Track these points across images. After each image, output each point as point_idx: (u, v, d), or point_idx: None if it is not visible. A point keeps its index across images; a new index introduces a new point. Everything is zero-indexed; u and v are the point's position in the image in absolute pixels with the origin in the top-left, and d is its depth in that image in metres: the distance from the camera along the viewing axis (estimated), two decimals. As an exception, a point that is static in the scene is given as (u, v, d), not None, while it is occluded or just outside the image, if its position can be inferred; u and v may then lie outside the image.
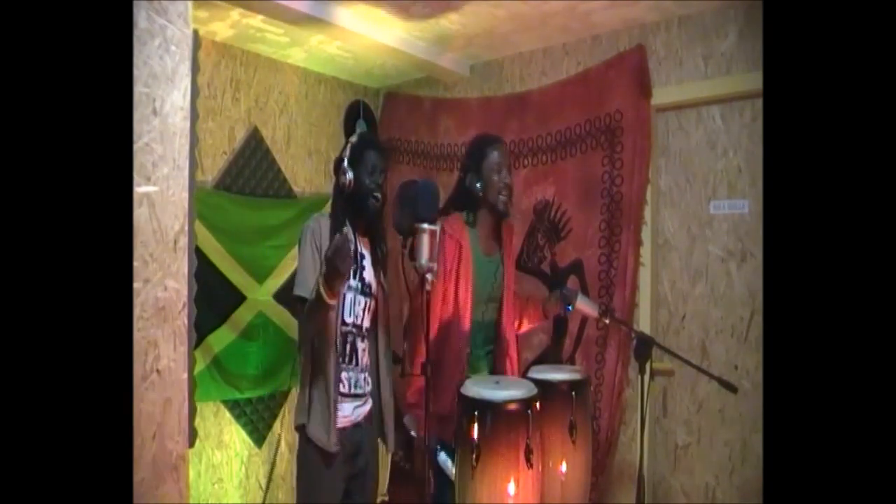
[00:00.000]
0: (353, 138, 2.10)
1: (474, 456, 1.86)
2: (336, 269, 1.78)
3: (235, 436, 3.05)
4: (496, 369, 2.24)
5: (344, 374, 2.01)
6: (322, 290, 1.81)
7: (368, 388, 2.10)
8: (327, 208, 2.17)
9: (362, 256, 2.07)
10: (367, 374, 2.09)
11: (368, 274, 2.08)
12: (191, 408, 1.64)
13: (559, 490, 2.08)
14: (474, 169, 2.18)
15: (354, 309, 2.03)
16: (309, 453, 1.97)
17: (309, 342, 1.99)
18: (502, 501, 1.86)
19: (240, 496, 3.05)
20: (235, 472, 3.05)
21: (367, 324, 2.08)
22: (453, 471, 1.97)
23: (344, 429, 1.99)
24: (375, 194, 2.03)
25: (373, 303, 2.10)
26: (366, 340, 2.09)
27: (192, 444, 1.68)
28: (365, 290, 2.06)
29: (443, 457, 2.05)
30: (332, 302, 1.86)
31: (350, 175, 1.99)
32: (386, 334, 2.17)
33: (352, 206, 2.03)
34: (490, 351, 2.25)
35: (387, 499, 3.03)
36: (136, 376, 1.13)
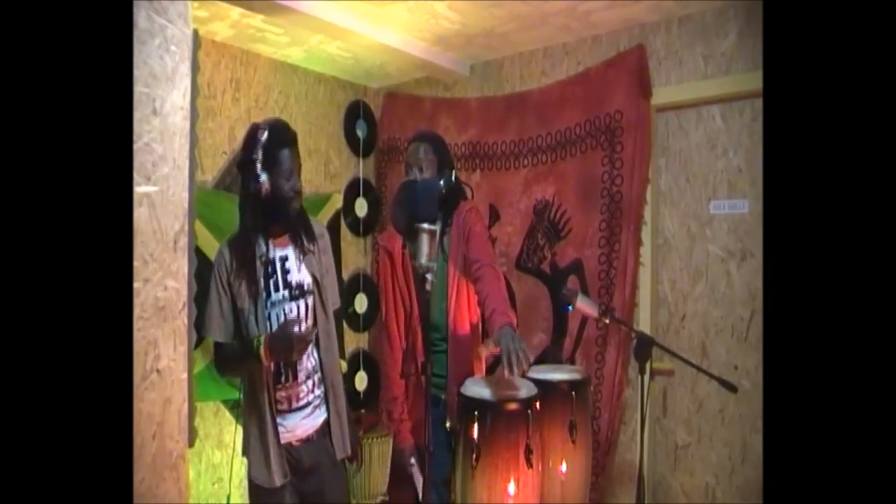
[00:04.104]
0: (263, 135, 1.77)
1: (474, 456, 1.86)
2: (288, 352, 1.70)
3: (235, 436, 3.05)
4: (451, 369, 2.17)
5: (281, 394, 1.85)
6: (261, 352, 1.70)
7: (318, 393, 1.91)
8: (337, 205, 2.08)
9: (283, 258, 1.87)
10: (313, 380, 1.90)
11: (295, 275, 1.87)
12: (191, 408, 1.64)
13: (559, 490, 2.08)
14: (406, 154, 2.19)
15: (286, 320, 1.84)
16: (254, 483, 1.86)
17: (233, 376, 1.89)
18: (502, 501, 1.86)
19: (240, 496, 3.05)
20: (235, 472, 3.04)
21: (305, 326, 1.86)
22: (420, 485, 1.98)
23: (290, 445, 1.85)
24: (296, 201, 1.83)
25: (311, 299, 1.89)
26: (309, 345, 1.86)
27: (191, 444, 1.67)
28: (294, 293, 1.87)
29: (413, 470, 2.07)
30: (268, 364, 1.75)
31: (264, 179, 1.75)
32: (330, 331, 1.94)
33: (267, 214, 1.81)
34: (444, 350, 2.18)
35: (387, 499, 3.03)
36: (136, 376, 1.13)
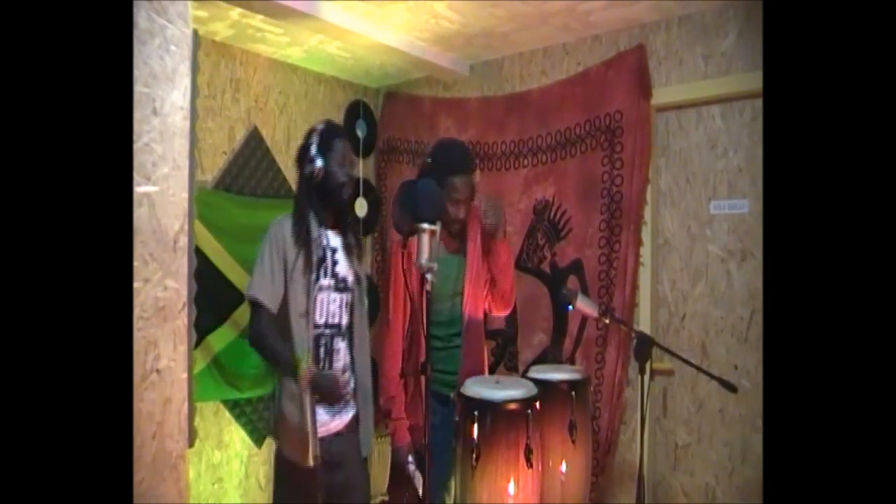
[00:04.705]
0: (320, 126, 1.99)
1: (474, 456, 1.86)
2: (332, 393, 1.85)
3: (235, 436, 3.05)
4: (463, 364, 2.20)
5: None
6: (301, 376, 1.78)
7: (349, 389, 1.98)
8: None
9: (333, 250, 1.97)
10: (346, 375, 1.97)
11: (342, 267, 1.98)
12: (191, 408, 1.64)
13: (559, 490, 2.08)
14: (434, 174, 2.17)
15: (329, 308, 1.94)
16: (283, 465, 1.87)
17: (269, 353, 1.93)
18: (502, 501, 1.86)
19: (239, 496, 3.05)
20: (235, 472, 3.05)
21: (345, 321, 1.98)
22: (420, 486, 1.98)
23: (322, 439, 1.87)
24: (347, 188, 1.96)
25: (349, 296, 2.00)
26: (345, 339, 1.98)
27: (191, 444, 1.67)
28: (339, 285, 1.97)
29: (411, 468, 2.06)
30: (304, 388, 1.84)
31: (319, 163, 1.91)
32: (364, 330, 2.05)
33: (320, 198, 1.94)
34: (458, 345, 2.22)
35: (387, 499, 3.03)
36: (136, 376, 1.13)
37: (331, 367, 1.94)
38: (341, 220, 2.04)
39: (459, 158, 2.21)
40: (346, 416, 1.98)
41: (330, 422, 1.93)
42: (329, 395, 1.84)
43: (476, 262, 2.24)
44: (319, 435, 1.87)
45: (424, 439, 1.74)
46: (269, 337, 1.87)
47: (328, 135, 1.96)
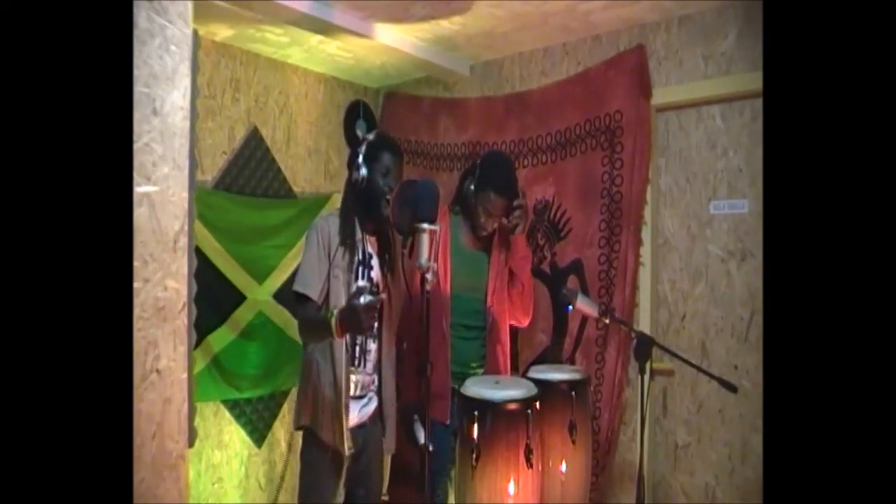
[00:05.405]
0: (371, 136, 2.06)
1: (474, 456, 1.87)
2: (357, 324, 1.75)
3: (235, 436, 3.05)
4: (488, 361, 2.30)
5: (352, 377, 1.98)
6: (333, 326, 1.78)
7: (374, 388, 2.08)
8: (336, 205, 2.19)
9: (370, 256, 2.05)
10: (374, 374, 2.07)
11: (376, 274, 2.07)
12: (191, 408, 1.64)
13: (559, 490, 2.08)
14: (476, 178, 2.27)
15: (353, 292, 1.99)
16: (312, 454, 1.95)
17: (310, 343, 1.99)
18: (502, 501, 1.86)
19: (239, 496, 3.05)
20: (235, 472, 3.05)
21: (376, 323, 2.05)
22: (422, 439, 1.97)
23: (349, 429, 1.97)
24: (388, 197, 2.00)
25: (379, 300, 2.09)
26: (376, 341, 2.06)
27: (191, 444, 1.67)
28: (373, 289, 2.04)
29: (417, 425, 2.06)
30: (339, 340, 1.87)
31: (363, 172, 1.97)
32: (390, 333, 2.14)
33: (362, 204, 2.00)
34: (477, 337, 2.32)
35: (387, 499, 3.03)
36: (136, 376, 1.13)
37: (364, 366, 2.01)
38: (380, 233, 2.10)
39: (505, 177, 2.31)
40: (370, 408, 2.05)
41: (357, 414, 2.00)
42: (356, 321, 1.79)
43: (499, 261, 2.33)
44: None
45: (427, 440, 1.76)
46: (312, 319, 1.92)
47: (377, 146, 2.02)
